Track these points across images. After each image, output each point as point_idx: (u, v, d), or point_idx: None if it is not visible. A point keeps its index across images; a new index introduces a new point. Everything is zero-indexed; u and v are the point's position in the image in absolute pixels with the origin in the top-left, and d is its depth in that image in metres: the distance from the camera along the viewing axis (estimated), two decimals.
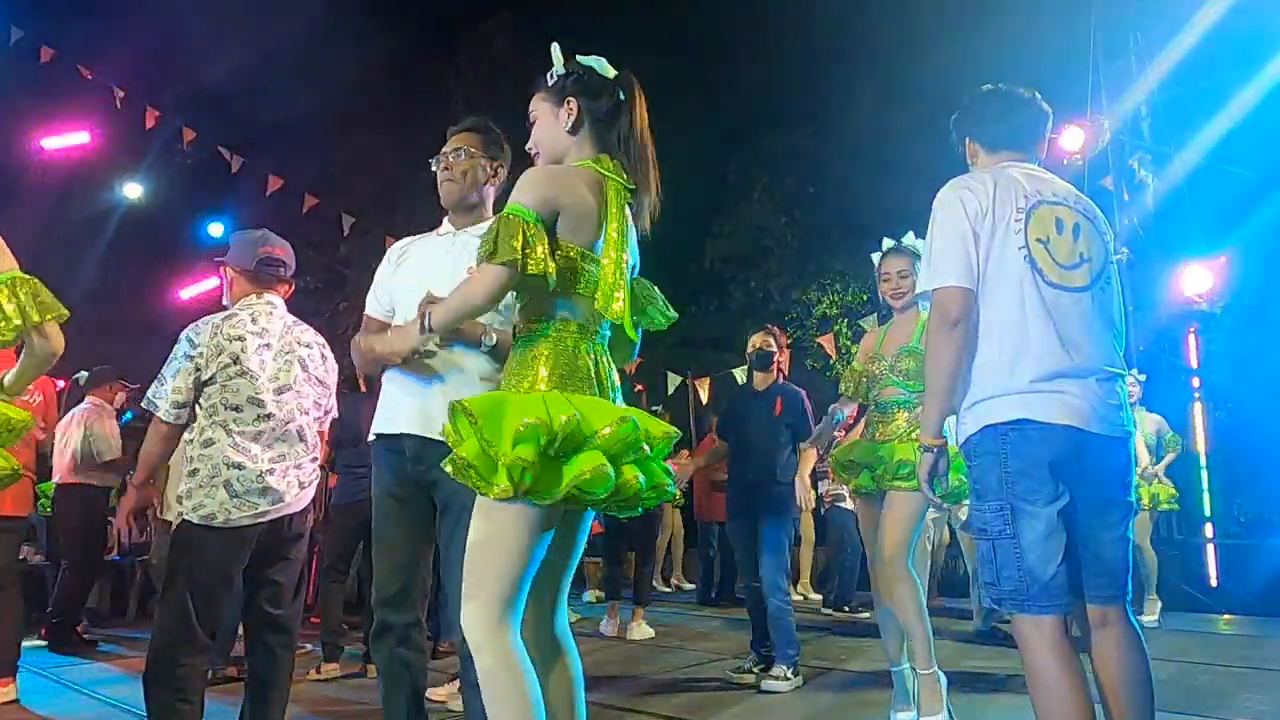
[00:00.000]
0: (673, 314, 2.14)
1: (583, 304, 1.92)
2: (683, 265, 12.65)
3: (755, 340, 4.63)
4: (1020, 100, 2.36)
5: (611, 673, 4.62)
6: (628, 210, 2.02)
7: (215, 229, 12.41)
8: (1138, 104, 8.29)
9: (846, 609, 6.82)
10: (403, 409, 2.40)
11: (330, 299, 14.27)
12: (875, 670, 4.51)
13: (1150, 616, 5.83)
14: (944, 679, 3.19)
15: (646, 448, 1.86)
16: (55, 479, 5.53)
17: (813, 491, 7.28)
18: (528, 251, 1.81)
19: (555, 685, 1.93)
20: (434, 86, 15.16)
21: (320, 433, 3.10)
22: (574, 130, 2.04)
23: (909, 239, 3.40)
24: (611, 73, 2.07)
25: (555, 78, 2.06)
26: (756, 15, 12.89)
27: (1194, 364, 8.07)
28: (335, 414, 3.17)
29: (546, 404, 1.76)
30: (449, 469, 1.84)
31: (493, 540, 1.81)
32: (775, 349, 4.59)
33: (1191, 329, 8.07)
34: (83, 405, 5.62)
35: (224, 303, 3.01)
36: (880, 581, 3.36)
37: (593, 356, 1.91)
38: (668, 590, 8.81)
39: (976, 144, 2.41)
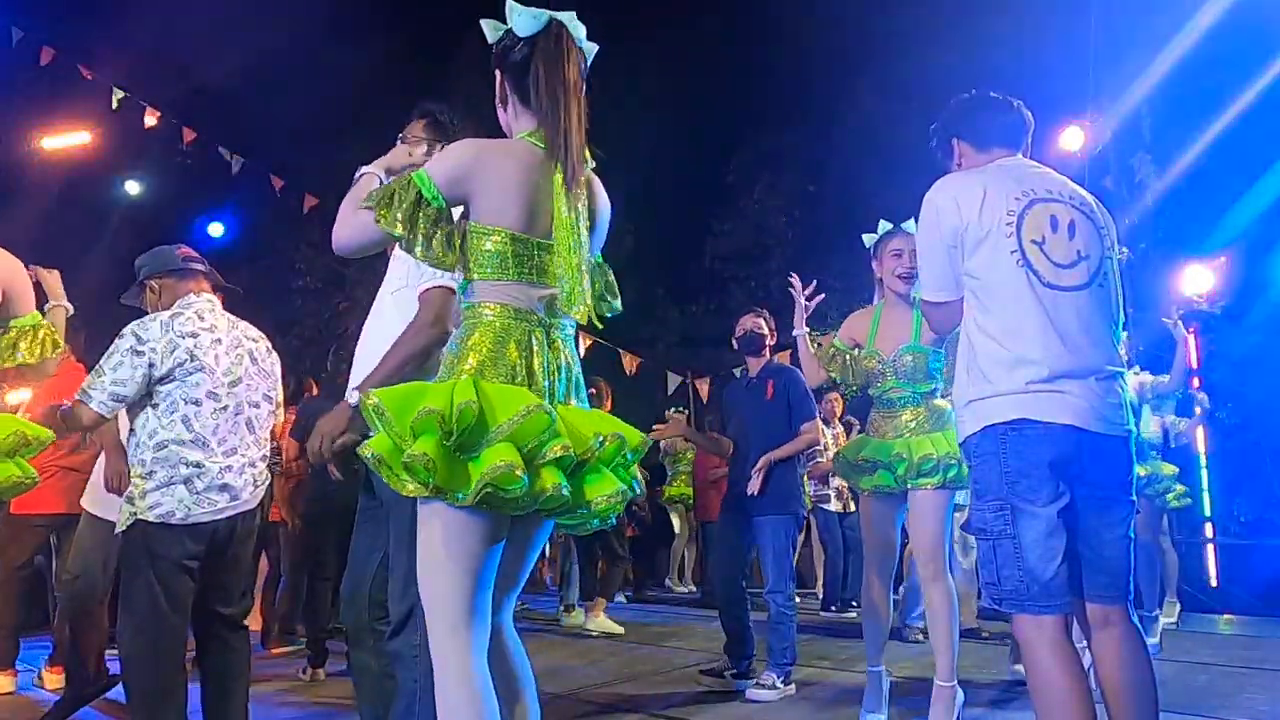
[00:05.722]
0: (618, 305, 1.98)
1: (520, 291, 1.74)
2: (683, 265, 12.65)
3: (744, 323, 4.41)
4: (1006, 103, 2.41)
5: (607, 671, 4.62)
6: (581, 187, 1.81)
7: (215, 229, 12.40)
8: (1138, 104, 8.29)
9: (834, 608, 6.83)
10: None
11: (330, 299, 14.25)
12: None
13: (1170, 619, 5.76)
14: (961, 696, 3.09)
15: (566, 449, 1.64)
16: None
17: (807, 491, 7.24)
18: (408, 228, 1.70)
19: (505, 696, 1.77)
20: (435, 86, 15.16)
21: (274, 429, 3.14)
22: (504, 103, 1.88)
23: (910, 225, 3.32)
24: (530, 28, 1.81)
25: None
26: (757, 15, 12.91)
27: (1194, 364, 8.07)
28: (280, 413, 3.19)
29: (453, 393, 1.61)
30: (370, 463, 1.68)
31: (431, 553, 1.68)
32: (765, 331, 4.38)
33: (1191, 329, 8.06)
34: None
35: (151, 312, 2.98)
36: (874, 583, 3.33)
37: (527, 346, 1.72)
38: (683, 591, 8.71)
39: (966, 144, 2.41)
